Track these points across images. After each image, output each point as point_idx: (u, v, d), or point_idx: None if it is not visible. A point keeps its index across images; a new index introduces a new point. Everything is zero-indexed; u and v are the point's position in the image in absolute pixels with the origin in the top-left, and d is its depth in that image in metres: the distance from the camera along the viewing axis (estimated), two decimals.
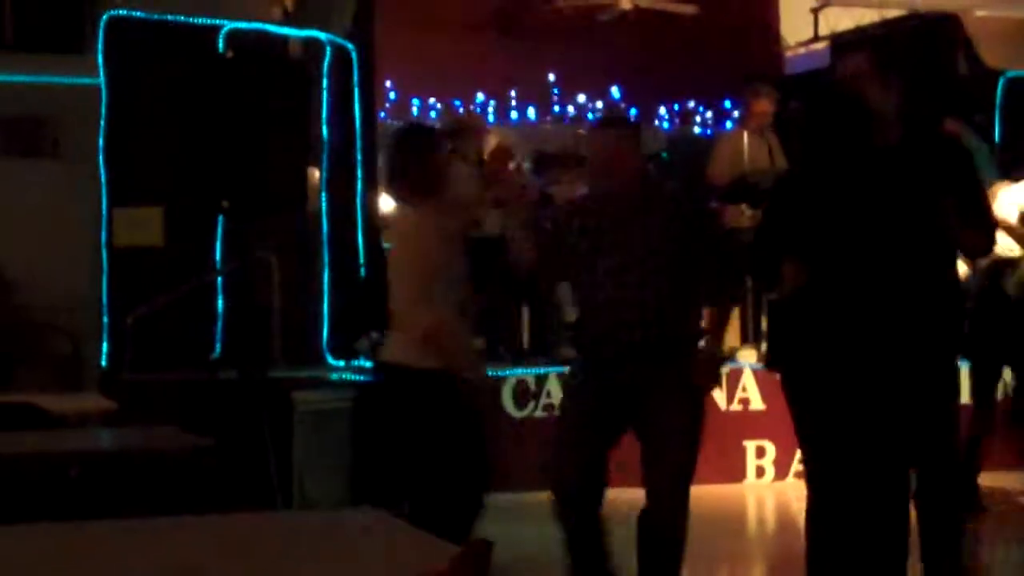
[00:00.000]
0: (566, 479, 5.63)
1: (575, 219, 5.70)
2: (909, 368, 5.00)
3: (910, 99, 5.25)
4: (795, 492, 9.40)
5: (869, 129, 4.97)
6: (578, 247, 5.62)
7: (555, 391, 9.66)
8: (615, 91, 13.68)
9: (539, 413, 9.65)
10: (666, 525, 5.60)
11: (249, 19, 9.85)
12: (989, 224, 5.28)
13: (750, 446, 9.88)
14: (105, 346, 9.28)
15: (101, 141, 9.39)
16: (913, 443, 5.03)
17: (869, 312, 4.96)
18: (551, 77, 13.45)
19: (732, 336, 10.54)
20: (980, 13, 11.94)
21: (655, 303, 5.48)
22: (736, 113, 13.15)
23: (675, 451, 5.55)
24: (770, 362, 5.71)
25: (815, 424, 5.14)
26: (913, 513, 5.13)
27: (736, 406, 9.90)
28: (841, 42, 12.46)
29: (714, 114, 14.01)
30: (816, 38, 13.22)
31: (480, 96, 13.46)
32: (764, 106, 11.11)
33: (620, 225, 5.54)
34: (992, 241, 5.30)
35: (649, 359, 5.50)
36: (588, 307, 5.70)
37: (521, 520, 7.51)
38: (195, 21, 9.56)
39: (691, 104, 14.04)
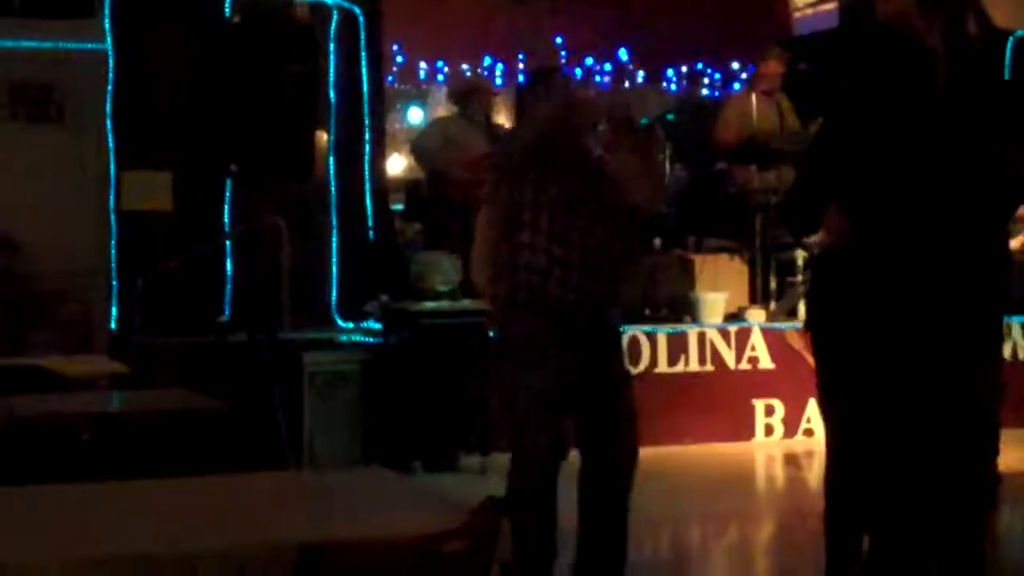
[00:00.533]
0: (546, 460, 5.53)
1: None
2: (952, 333, 4.61)
3: (953, 37, 5.00)
4: (804, 450, 9.43)
5: (931, 70, 4.69)
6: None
7: None
8: (623, 53, 13.65)
9: None
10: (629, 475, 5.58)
11: None
12: None
13: (759, 405, 9.89)
14: (115, 310, 9.30)
15: (109, 106, 9.39)
16: (949, 413, 4.62)
17: (915, 272, 4.62)
18: (559, 39, 13.42)
19: (740, 295, 10.56)
20: None
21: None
22: (744, 75, 13.13)
23: (630, 412, 5.55)
24: (810, 324, 5.20)
25: (852, 388, 4.75)
26: None
27: (745, 365, 9.91)
28: (849, 2, 12.41)
29: (722, 76, 13.97)
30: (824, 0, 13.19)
31: (488, 59, 13.44)
32: (774, 67, 11.10)
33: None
34: None
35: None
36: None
37: None
38: None
39: (699, 66, 14.01)
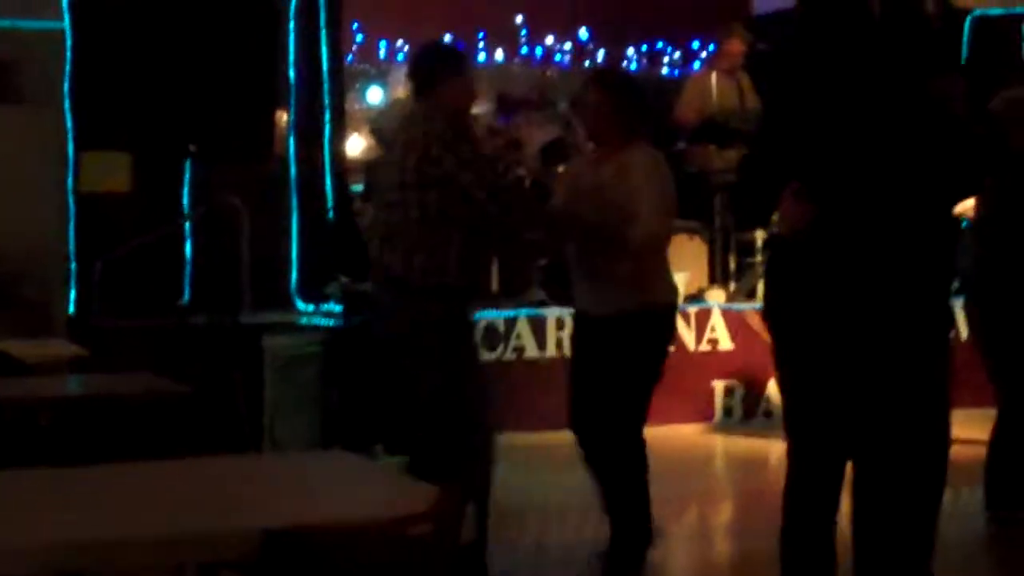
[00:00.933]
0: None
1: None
2: (907, 313, 4.43)
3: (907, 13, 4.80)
4: (763, 431, 9.46)
5: (878, 36, 4.52)
6: None
7: (524, 334, 9.68)
8: (583, 33, 13.62)
9: (508, 356, 9.67)
10: None
11: None
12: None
13: (719, 386, 9.93)
14: (73, 293, 9.24)
15: (66, 85, 9.32)
16: (902, 396, 4.45)
17: (869, 252, 4.39)
18: (519, 19, 13.38)
19: (700, 276, 10.58)
20: None
21: None
22: (704, 54, 13.13)
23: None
24: (767, 310, 4.84)
25: (807, 374, 4.54)
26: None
27: (705, 346, 9.94)
28: None
29: (682, 55, 13.96)
30: None
31: (448, 38, 13.39)
32: (736, 46, 11.11)
33: None
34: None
35: None
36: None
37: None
38: None
39: (659, 45, 13.99)
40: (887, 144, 4.37)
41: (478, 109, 12.54)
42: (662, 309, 6.06)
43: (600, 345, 5.99)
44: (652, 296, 5.98)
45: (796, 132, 4.47)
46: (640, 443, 6.00)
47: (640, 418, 6.01)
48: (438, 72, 5.93)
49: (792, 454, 4.62)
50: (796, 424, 4.61)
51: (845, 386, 4.45)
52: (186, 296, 9.30)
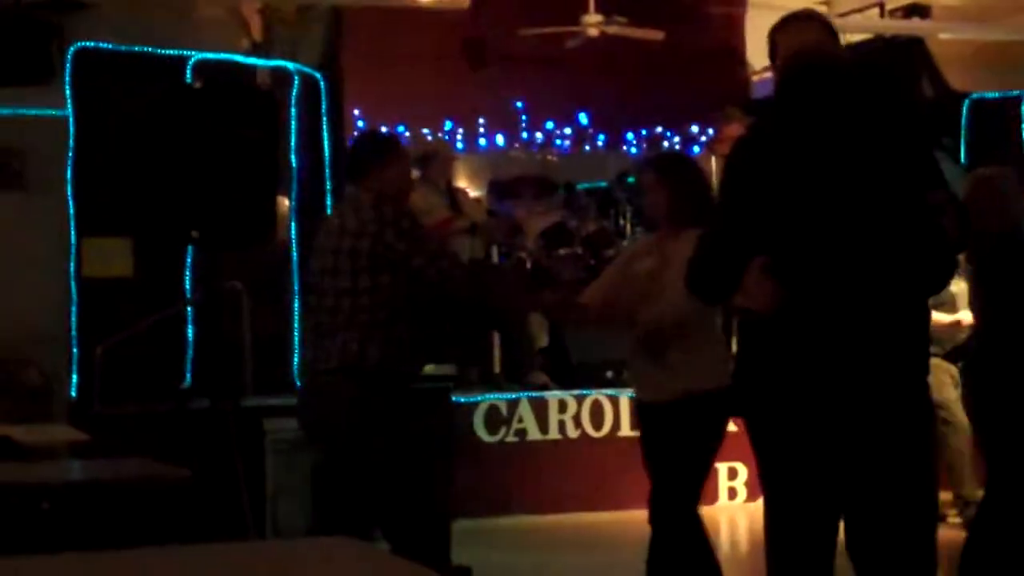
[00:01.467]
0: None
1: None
2: (884, 401, 4.27)
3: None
4: None
5: (847, 89, 4.38)
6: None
7: (526, 416, 9.67)
8: (583, 117, 13.72)
9: (511, 438, 9.66)
10: None
11: (217, 50, 9.86)
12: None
13: (722, 467, 9.89)
14: (75, 377, 9.24)
15: (69, 172, 9.37)
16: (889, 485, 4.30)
17: (840, 335, 4.21)
18: (519, 104, 13.48)
19: None
20: (944, 36, 12.03)
21: None
22: (703, 138, 13.21)
23: None
24: (735, 404, 4.70)
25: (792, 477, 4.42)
26: None
27: None
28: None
29: (681, 139, 14.05)
30: None
31: (448, 123, 13.49)
32: (735, 130, 11.14)
33: None
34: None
35: None
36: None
37: (495, 546, 7.51)
38: (163, 52, 9.56)
39: (659, 129, 14.09)
40: (861, 225, 4.21)
41: (476, 192, 12.64)
42: (700, 395, 5.94)
43: (654, 431, 6.06)
44: (692, 383, 5.93)
45: (769, 209, 4.26)
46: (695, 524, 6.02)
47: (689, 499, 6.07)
48: (376, 158, 6.01)
49: (774, 543, 4.52)
50: (779, 513, 4.50)
51: (829, 469, 4.32)
52: (188, 380, 9.30)
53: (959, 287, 8.13)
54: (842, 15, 12.06)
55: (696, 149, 13.23)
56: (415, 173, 10.86)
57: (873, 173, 4.27)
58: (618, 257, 7.05)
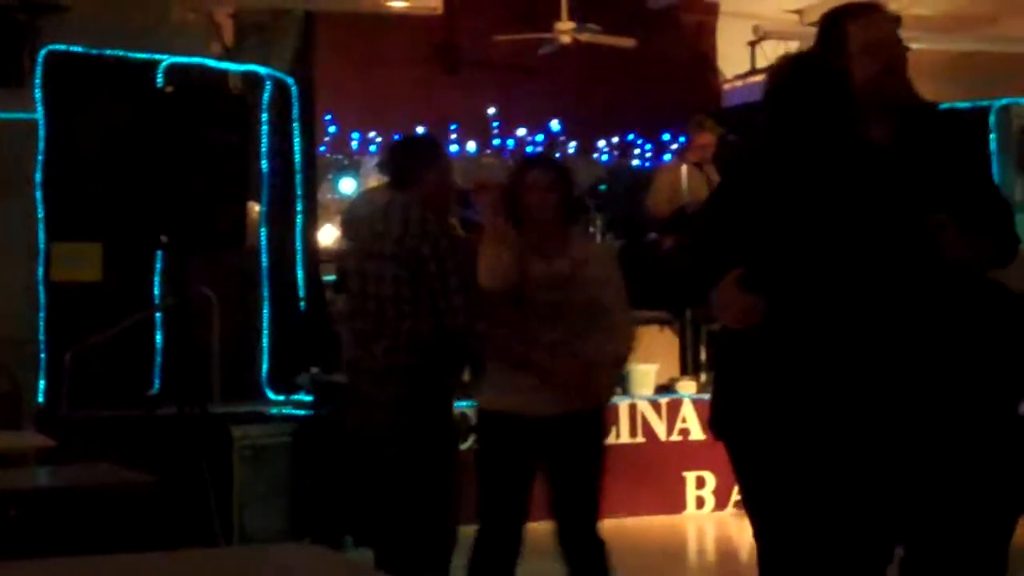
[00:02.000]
0: None
1: None
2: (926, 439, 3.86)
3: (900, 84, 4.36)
4: (735, 523, 9.44)
5: (848, 111, 4.13)
6: None
7: None
8: (555, 124, 13.73)
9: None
10: None
11: (189, 54, 9.84)
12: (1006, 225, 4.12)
13: (690, 477, 9.91)
14: (42, 383, 9.20)
15: (38, 176, 9.33)
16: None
17: (858, 361, 3.88)
18: (491, 110, 13.48)
19: (671, 367, 10.59)
20: (915, 46, 12.04)
21: None
22: (675, 146, 13.24)
23: None
24: (715, 426, 4.45)
25: (779, 508, 4.11)
26: None
27: (676, 436, 9.93)
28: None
29: (653, 147, 14.07)
30: (753, 71, 13.33)
31: (420, 130, 13.47)
32: (706, 139, 11.22)
33: None
34: (1013, 245, 4.10)
35: None
36: None
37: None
38: (134, 56, 9.53)
39: (630, 137, 14.11)
40: (852, 238, 3.95)
41: None
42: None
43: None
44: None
45: (754, 220, 4.00)
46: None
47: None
48: (420, 164, 6.00)
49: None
50: (774, 548, 4.17)
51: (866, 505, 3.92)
52: (156, 386, 9.27)
53: None
54: (813, 24, 12.09)
55: (667, 157, 13.25)
56: (385, 179, 10.86)
57: (921, 192, 4.02)
58: None
